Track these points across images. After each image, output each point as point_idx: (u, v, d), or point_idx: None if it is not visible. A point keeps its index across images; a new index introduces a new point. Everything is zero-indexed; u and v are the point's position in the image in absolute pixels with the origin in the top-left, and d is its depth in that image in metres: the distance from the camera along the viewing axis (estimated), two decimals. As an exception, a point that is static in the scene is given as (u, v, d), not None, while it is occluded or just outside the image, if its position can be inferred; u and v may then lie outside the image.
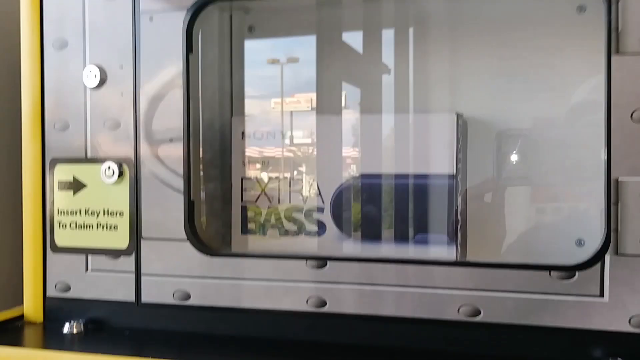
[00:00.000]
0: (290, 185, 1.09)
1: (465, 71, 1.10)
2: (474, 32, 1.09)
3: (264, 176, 1.12)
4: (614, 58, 0.82)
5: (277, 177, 1.10)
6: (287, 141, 1.14)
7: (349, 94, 1.18)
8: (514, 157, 1.07)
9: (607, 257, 0.83)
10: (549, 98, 1.06)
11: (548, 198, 1.08)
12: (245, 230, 1.10)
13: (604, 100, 0.83)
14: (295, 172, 1.12)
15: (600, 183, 0.84)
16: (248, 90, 1.20)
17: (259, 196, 1.11)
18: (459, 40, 1.10)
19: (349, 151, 1.08)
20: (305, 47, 1.20)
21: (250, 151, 1.12)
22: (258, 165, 1.13)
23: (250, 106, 1.20)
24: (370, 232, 1.05)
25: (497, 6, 1.07)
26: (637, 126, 0.82)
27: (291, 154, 1.13)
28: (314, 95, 1.17)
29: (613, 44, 0.82)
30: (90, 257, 1.03)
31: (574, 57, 1.04)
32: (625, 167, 0.82)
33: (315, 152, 1.11)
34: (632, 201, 0.82)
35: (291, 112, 1.19)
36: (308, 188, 1.08)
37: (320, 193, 1.07)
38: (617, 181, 0.82)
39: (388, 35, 1.15)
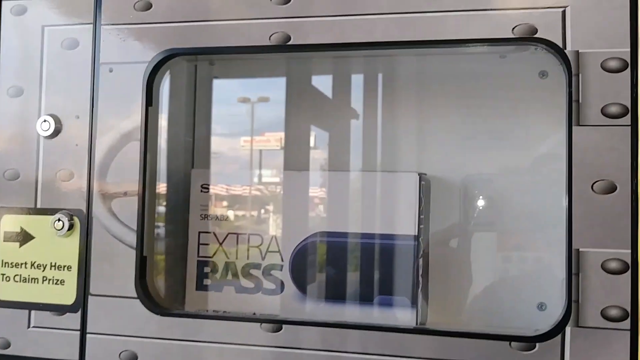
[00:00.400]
0: (248, 241, 1.06)
1: (431, 127, 1.10)
2: (440, 88, 1.10)
3: (223, 224, 1.09)
4: (574, 129, 0.82)
5: (235, 233, 1.07)
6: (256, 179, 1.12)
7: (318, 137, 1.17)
8: (478, 207, 1.07)
9: (568, 329, 0.81)
10: (512, 155, 1.07)
11: (512, 254, 1.07)
12: (200, 286, 1.06)
13: (565, 171, 0.83)
14: (254, 224, 1.09)
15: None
16: (216, 128, 1.18)
17: (216, 250, 1.07)
18: (426, 96, 1.11)
19: (310, 208, 1.06)
20: (274, 89, 1.19)
21: (216, 191, 1.09)
22: (217, 214, 1.09)
23: (218, 145, 1.18)
24: (330, 292, 1.02)
25: (463, 65, 1.08)
26: (598, 197, 0.81)
27: (259, 193, 1.10)
28: (283, 135, 1.16)
29: (574, 115, 0.82)
30: (33, 313, 0.98)
31: (537, 117, 1.05)
32: (586, 238, 0.81)
33: (276, 205, 1.08)
34: (593, 272, 0.81)
35: (260, 150, 1.17)
36: (267, 244, 1.05)
37: (279, 250, 1.04)
38: (578, 252, 0.82)
39: (357, 86, 1.15)
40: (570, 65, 0.83)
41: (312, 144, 1.16)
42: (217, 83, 1.19)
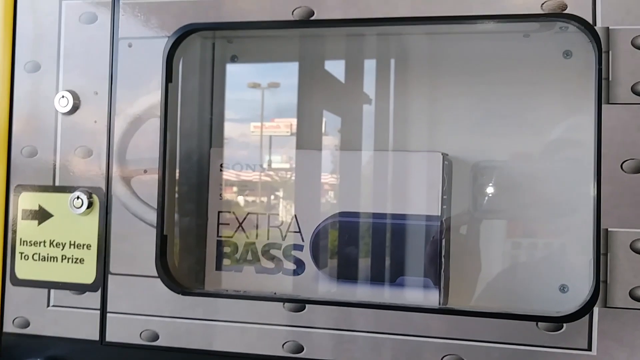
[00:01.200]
0: (268, 221, 1.05)
1: (447, 109, 1.08)
2: (458, 70, 1.08)
3: (242, 205, 1.07)
4: (604, 107, 0.81)
5: (255, 213, 1.06)
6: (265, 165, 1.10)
7: (330, 122, 1.16)
8: (489, 192, 1.05)
9: (596, 310, 0.81)
10: (529, 138, 1.05)
11: (529, 236, 1.06)
12: (220, 266, 1.06)
13: (594, 150, 0.82)
14: (274, 204, 1.08)
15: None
16: (227, 113, 1.16)
17: (236, 230, 1.06)
18: (443, 77, 1.09)
19: (332, 187, 1.05)
20: (286, 73, 1.17)
21: (229, 176, 1.08)
22: (235, 196, 1.08)
23: (229, 130, 1.16)
24: (351, 273, 1.01)
25: (481, 46, 1.06)
26: (627, 176, 0.80)
27: (269, 179, 1.09)
28: (293, 121, 1.14)
29: (603, 93, 0.81)
30: (52, 292, 0.97)
31: (558, 98, 1.04)
32: (615, 218, 0.80)
33: (295, 185, 1.07)
34: (622, 252, 0.80)
35: (270, 136, 1.15)
36: (288, 224, 1.04)
37: (300, 230, 1.03)
38: (606, 231, 0.81)
39: (370, 69, 1.13)
40: (600, 43, 0.82)
41: (325, 126, 1.15)
42: (228, 68, 1.17)
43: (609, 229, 0.81)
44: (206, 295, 0.94)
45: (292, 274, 1.03)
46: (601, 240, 0.81)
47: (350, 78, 1.14)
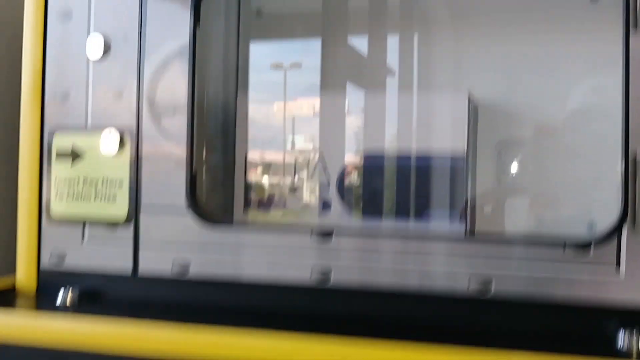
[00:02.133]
0: (295, 163, 1.06)
1: (473, 56, 1.08)
2: (482, 20, 1.08)
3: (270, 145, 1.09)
4: (632, 34, 0.80)
5: (282, 151, 1.08)
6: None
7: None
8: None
9: (624, 231, 0.80)
10: (557, 86, 1.05)
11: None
12: (248, 204, 1.07)
13: (621, 75, 0.81)
14: (300, 145, 1.09)
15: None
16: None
17: (263, 170, 1.08)
18: (468, 27, 1.09)
19: (357, 127, 1.06)
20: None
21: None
22: (263, 137, 1.10)
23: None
24: (377, 210, 1.02)
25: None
26: (656, 99, 0.80)
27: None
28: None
29: (631, 19, 0.80)
30: (87, 227, 1.00)
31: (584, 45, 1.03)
32: (643, 139, 0.80)
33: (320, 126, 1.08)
34: (651, 173, 0.80)
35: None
36: (314, 164, 1.05)
37: (325, 170, 1.04)
38: (635, 154, 0.80)
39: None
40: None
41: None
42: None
43: (638, 151, 0.80)
44: (234, 226, 0.95)
45: (320, 213, 1.04)
46: (629, 163, 0.80)
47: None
